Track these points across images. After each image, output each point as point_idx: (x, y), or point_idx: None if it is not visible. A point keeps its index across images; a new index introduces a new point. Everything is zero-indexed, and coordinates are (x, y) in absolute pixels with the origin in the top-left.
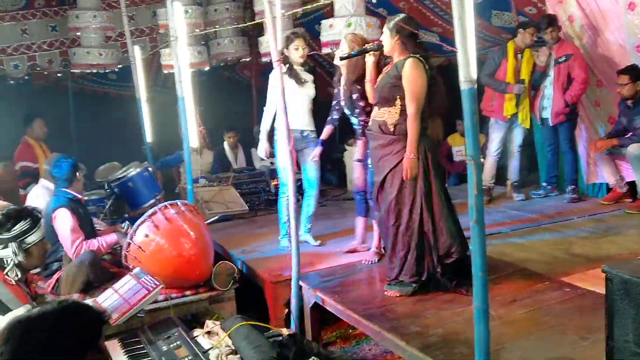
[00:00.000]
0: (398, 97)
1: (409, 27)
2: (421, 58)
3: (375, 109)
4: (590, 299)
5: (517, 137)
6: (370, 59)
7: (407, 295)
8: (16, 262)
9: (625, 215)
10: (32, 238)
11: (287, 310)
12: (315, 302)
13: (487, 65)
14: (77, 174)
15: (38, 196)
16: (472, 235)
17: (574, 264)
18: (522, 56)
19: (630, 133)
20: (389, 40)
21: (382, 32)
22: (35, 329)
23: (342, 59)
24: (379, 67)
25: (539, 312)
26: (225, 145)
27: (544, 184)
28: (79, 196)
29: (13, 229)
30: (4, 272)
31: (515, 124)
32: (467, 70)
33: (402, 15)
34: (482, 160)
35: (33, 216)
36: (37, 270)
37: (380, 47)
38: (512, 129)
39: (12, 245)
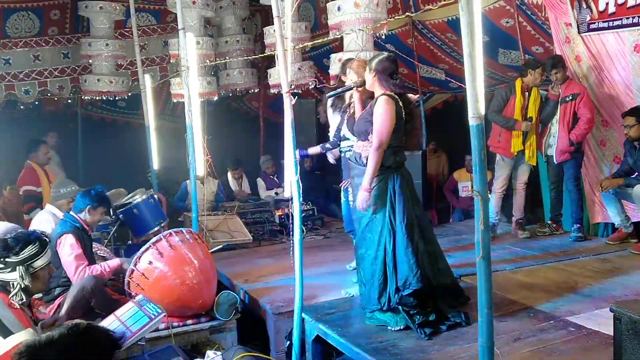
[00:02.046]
0: (370, 131)
1: (386, 66)
2: (395, 95)
3: (356, 140)
4: (596, 339)
5: (523, 174)
6: (355, 95)
7: (393, 328)
8: (22, 286)
9: (631, 256)
10: (39, 262)
11: (288, 342)
12: (317, 334)
13: (494, 102)
14: (89, 206)
15: (42, 222)
16: (478, 271)
17: (579, 304)
18: (530, 94)
19: (637, 173)
20: (368, 77)
21: None
22: (42, 354)
23: (329, 96)
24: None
25: (544, 351)
26: (229, 176)
27: (549, 222)
28: (86, 226)
29: (22, 252)
30: (9, 296)
31: (522, 161)
32: (476, 106)
33: (383, 55)
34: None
35: (41, 240)
36: (39, 295)
37: (363, 84)
38: (517, 166)
39: (20, 269)
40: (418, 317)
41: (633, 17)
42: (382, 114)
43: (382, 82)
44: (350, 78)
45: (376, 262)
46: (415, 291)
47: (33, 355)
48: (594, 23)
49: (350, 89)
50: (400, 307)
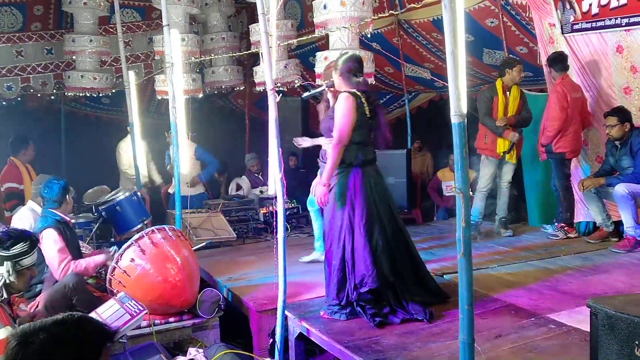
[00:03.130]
0: (332, 128)
1: (350, 66)
2: (357, 93)
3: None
4: (576, 336)
5: (507, 174)
6: (329, 95)
7: (341, 319)
8: (7, 281)
9: (611, 254)
10: (26, 261)
11: (271, 340)
12: (300, 332)
13: (482, 106)
14: (67, 196)
15: (22, 218)
16: (460, 268)
17: (560, 301)
18: (510, 93)
19: (617, 172)
20: (334, 77)
21: (375, 66)
22: (33, 339)
23: (304, 97)
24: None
25: (524, 348)
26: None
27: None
28: (66, 218)
29: (12, 248)
30: None
31: (506, 160)
32: (458, 104)
33: (347, 54)
34: (471, 195)
35: (32, 240)
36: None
37: (334, 84)
38: (502, 165)
39: (7, 264)
40: (372, 310)
41: (616, 18)
42: (341, 110)
43: (345, 80)
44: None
45: (336, 259)
46: (373, 288)
47: (24, 338)
48: (578, 24)
49: (323, 89)
50: (355, 302)
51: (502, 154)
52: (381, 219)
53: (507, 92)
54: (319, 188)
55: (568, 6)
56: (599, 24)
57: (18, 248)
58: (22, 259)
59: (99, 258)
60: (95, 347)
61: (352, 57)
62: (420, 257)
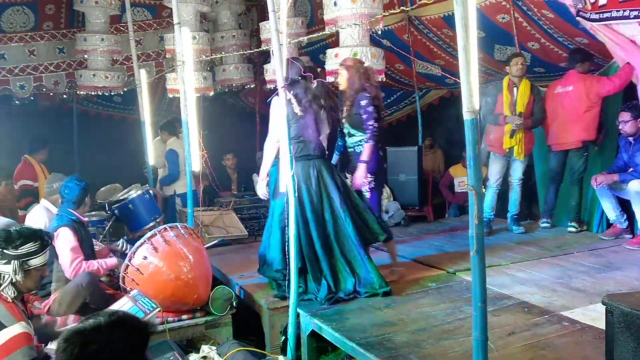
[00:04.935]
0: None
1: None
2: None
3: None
4: (590, 334)
5: (517, 170)
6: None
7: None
8: (13, 280)
9: (625, 251)
10: (35, 261)
11: (283, 337)
12: (312, 329)
13: (482, 103)
14: (86, 198)
15: (36, 217)
16: (472, 265)
17: (573, 298)
18: (518, 89)
19: (631, 169)
20: None
21: (385, 63)
22: (91, 341)
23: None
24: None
25: (538, 345)
26: (225, 164)
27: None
28: (82, 218)
29: (21, 247)
30: (0, 289)
31: (513, 157)
32: (470, 100)
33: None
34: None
35: (43, 240)
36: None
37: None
38: (511, 162)
39: (15, 263)
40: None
41: (624, 10)
42: (272, 110)
43: None
44: (341, 76)
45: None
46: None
47: (83, 340)
48: (587, 14)
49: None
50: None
51: (508, 150)
52: (302, 210)
53: (515, 88)
54: (258, 184)
55: None
56: (605, 15)
57: (26, 248)
58: (30, 259)
59: (112, 261)
60: (143, 345)
61: (294, 58)
62: (360, 251)
